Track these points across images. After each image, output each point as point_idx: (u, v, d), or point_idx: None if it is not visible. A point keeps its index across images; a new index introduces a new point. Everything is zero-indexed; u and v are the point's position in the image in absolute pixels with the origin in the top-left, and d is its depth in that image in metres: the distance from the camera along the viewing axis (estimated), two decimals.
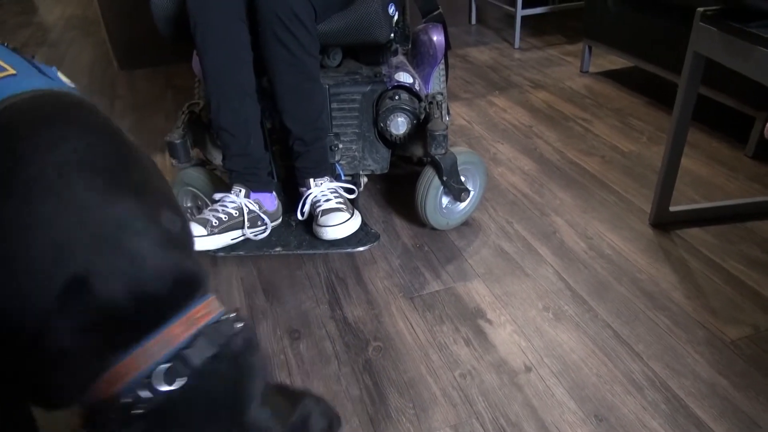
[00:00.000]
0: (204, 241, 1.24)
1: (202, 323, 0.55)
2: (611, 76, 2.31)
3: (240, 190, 1.30)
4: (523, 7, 2.59)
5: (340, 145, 1.43)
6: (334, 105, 1.40)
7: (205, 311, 0.56)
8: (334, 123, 1.41)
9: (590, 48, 2.31)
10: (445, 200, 1.41)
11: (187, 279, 0.56)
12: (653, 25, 1.94)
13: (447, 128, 1.33)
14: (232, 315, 0.59)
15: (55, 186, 0.50)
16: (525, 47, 2.69)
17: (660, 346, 1.10)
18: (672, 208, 1.41)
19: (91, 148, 0.55)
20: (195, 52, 1.30)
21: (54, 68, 0.69)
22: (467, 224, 1.47)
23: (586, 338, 1.12)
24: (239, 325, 0.57)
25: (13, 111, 0.55)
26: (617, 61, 2.42)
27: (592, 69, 2.37)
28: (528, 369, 1.07)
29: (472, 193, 1.44)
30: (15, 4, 4.20)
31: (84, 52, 3.02)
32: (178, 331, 0.53)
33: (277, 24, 1.17)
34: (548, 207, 1.53)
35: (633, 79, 2.27)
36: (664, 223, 1.42)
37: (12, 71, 0.60)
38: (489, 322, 1.18)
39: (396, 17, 1.36)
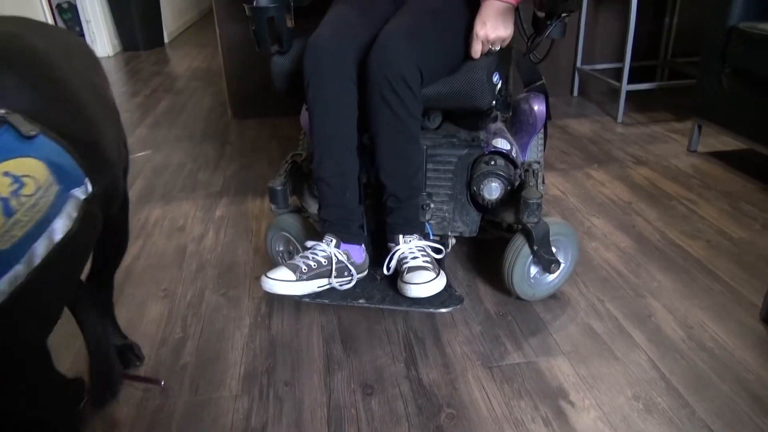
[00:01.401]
0: (291, 286, 1.28)
1: None
2: (722, 157, 2.20)
3: (331, 240, 1.34)
4: (629, 82, 2.55)
5: (432, 205, 1.44)
6: (430, 165, 1.43)
7: None
8: (428, 183, 1.44)
9: (700, 127, 2.22)
10: (533, 270, 1.38)
11: None
12: None
13: (542, 197, 1.32)
14: None
15: None
16: (628, 122, 2.63)
17: None
18: None
19: None
20: (304, 108, 1.39)
21: None
22: (555, 297, 1.42)
23: None
24: None
25: None
26: (729, 143, 2.30)
27: (700, 149, 2.27)
28: None
29: (562, 265, 1.39)
30: (152, 55, 4.70)
31: (204, 100, 3.31)
32: None
33: (385, 86, 1.23)
34: (644, 288, 1.44)
35: (746, 162, 2.14)
36: None
37: None
38: (571, 404, 1.11)
39: (499, 85, 1.39)
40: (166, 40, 5.16)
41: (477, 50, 1.31)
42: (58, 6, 4.58)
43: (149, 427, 1.10)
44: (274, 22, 1.33)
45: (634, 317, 1.34)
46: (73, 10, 4.59)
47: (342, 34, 1.30)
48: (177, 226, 1.85)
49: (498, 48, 1.34)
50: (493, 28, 1.28)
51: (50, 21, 4.09)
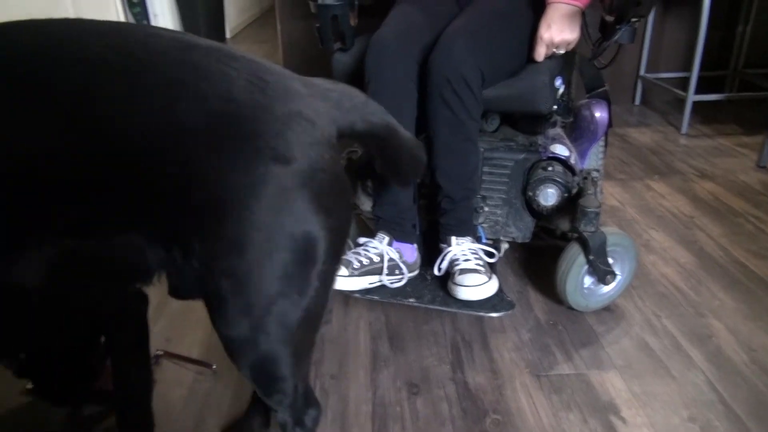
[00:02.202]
0: (344, 281, 1.29)
1: None
2: None
3: (384, 238, 1.35)
4: (696, 92, 2.45)
5: (486, 208, 1.43)
6: (486, 169, 1.41)
7: None
8: (483, 186, 1.43)
9: None
10: (587, 280, 1.34)
11: None
12: None
13: (600, 206, 1.28)
14: None
15: None
16: (693, 134, 2.53)
17: None
18: None
19: None
20: None
21: None
22: (609, 310, 1.38)
23: None
24: None
25: None
26: None
27: None
28: None
29: (618, 277, 1.35)
30: None
31: None
32: None
33: (446, 87, 1.22)
34: (705, 307, 1.39)
35: None
36: None
37: None
38: (623, 420, 1.08)
39: (561, 90, 1.36)
40: (228, 35, 5.30)
41: (540, 53, 1.29)
42: (129, 0, 4.78)
43: (201, 408, 1.13)
44: (337, 20, 1.35)
45: (692, 336, 1.29)
46: (142, 4, 4.78)
47: (404, 33, 1.30)
48: None
49: (562, 51, 1.32)
50: (558, 31, 1.26)
51: (121, 14, 4.27)
